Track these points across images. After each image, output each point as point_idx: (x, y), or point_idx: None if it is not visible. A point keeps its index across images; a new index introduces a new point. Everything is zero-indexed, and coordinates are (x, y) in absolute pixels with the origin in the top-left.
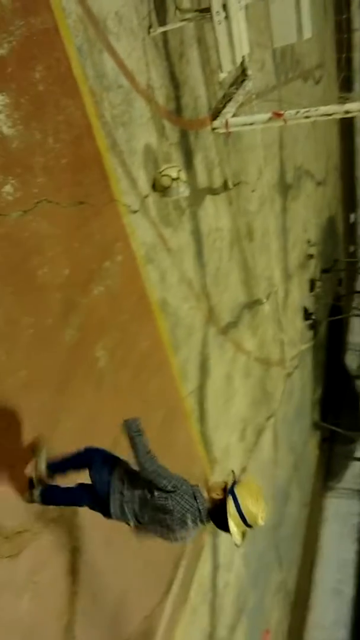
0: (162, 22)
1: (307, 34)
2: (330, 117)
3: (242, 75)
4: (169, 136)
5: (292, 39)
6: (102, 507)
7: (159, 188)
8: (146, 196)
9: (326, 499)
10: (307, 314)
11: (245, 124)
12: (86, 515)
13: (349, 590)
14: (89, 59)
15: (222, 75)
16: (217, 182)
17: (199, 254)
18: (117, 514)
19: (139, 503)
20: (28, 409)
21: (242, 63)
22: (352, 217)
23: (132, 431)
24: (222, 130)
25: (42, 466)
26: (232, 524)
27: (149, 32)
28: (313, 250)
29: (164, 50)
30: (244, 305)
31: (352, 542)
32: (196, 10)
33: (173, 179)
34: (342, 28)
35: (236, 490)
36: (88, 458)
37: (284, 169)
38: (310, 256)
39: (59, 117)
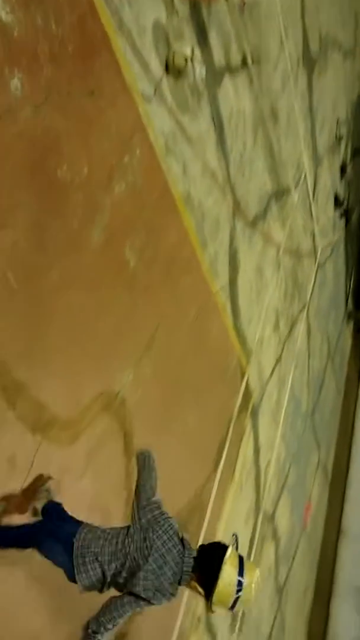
0: None
1: None
2: None
3: None
4: (179, 10)
5: None
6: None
7: (173, 69)
8: (160, 80)
9: None
10: (338, 201)
11: None
12: (134, 407)
13: None
14: None
15: None
16: (235, 59)
17: (221, 141)
18: (89, 584)
19: (116, 551)
20: (63, 312)
21: None
22: None
23: (148, 464)
24: None
25: None
26: (218, 600)
27: None
28: (343, 130)
29: None
30: (272, 194)
31: None
32: None
33: (187, 59)
34: None
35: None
36: (38, 533)
37: (307, 39)
38: (340, 138)
39: None
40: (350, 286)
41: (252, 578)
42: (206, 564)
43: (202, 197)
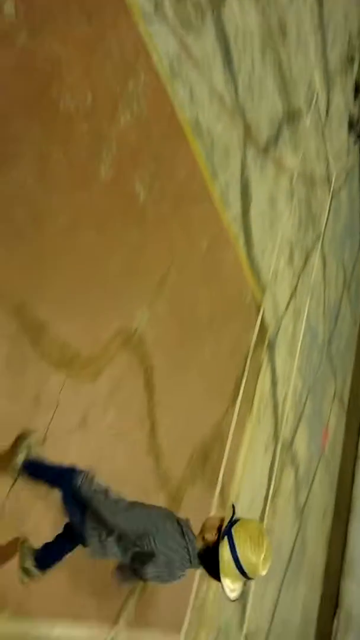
0: None
1: None
2: None
3: None
4: None
5: None
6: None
7: None
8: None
9: None
10: (352, 124)
11: None
12: (152, 344)
13: None
14: None
15: None
16: None
17: (228, 61)
18: (98, 553)
19: (119, 540)
20: (75, 252)
21: None
22: None
23: (89, 491)
24: None
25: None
26: (224, 574)
27: None
28: (356, 45)
29: None
30: (283, 117)
31: None
32: None
33: None
34: None
35: (234, 532)
36: (63, 480)
37: None
38: (353, 55)
39: None
40: None
41: (259, 553)
42: (208, 561)
43: (211, 123)
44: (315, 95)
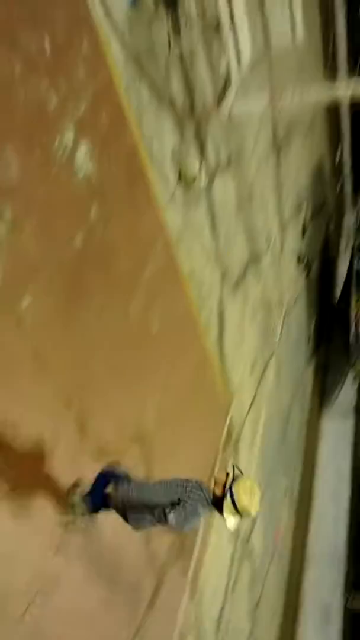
0: None
1: None
2: None
3: None
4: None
5: None
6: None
7: (186, 181)
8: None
9: (323, 418)
10: (300, 259)
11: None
12: (152, 441)
13: (345, 495)
14: None
15: None
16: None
17: (213, 225)
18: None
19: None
20: (104, 370)
21: None
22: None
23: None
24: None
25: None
26: (227, 516)
27: None
28: (303, 196)
29: None
30: (249, 259)
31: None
32: None
33: (196, 175)
34: None
35: (234, 489)
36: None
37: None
38: (300, 205)
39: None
40: (311, 329)
41: (241, 498)
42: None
43: (200, 270)
44: (272, 239)
